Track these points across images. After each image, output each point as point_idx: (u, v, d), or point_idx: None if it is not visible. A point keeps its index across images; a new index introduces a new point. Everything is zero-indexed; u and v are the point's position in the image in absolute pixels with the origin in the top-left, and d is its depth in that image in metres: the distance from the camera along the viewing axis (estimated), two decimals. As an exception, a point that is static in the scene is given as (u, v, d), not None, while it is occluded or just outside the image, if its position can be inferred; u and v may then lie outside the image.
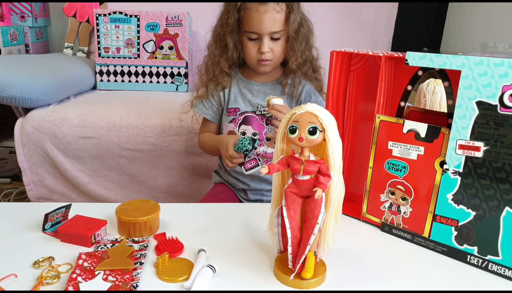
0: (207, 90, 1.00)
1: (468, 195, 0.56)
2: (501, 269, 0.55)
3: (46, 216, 0.61)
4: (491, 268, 0.56)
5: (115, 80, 1.72)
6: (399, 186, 0.63)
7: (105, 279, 0.50)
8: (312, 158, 0.49)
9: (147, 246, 0.58)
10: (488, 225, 0.55)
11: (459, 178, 0.57)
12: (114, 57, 1.70)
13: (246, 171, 1.00)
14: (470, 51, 0.64)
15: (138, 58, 1.70)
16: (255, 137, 0.98)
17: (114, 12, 1.68)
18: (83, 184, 1.37)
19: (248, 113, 0.99)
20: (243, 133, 0.98)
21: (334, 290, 0.50)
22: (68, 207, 0.65)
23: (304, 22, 0.94)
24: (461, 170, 0.57)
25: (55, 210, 0.62)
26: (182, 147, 1.31)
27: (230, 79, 1.00)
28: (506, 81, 0.51)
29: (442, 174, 0.58)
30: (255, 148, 0.98)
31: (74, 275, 0.50)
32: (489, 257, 0.56)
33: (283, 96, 0.97)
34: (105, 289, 0.48)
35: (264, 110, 0.98)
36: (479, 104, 0.54)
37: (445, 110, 0.60)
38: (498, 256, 0.55)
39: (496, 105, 0.52)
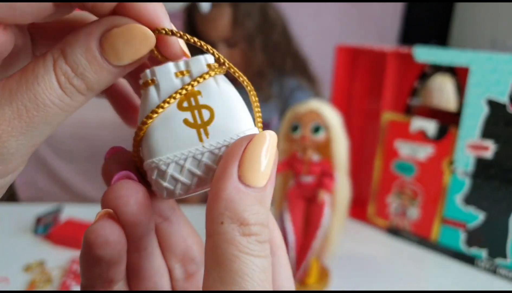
0: None
1: (477, 196, 0.55)
2: (510, 273, 0.53)
3: (38, 218, 0.59)
4: (500, 272, 0.54)
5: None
6: (407, 187, 0.61)
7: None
8: (316, 158, 0.47)
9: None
10: (498, 227, 0.54)
11: (468, 179, 0.55)
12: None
13: None
14: (479, 47, 0.63)
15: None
16: None
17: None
18: (75, 185, 1.34)
19: None
20: None
21: (338, 296, 0.49)
22: (60, 209, 0.63)
23: (264, 17, 0.88)
24: (470, 171, 0.55)
25: (47, 212, 0.60)
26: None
27: None
28: (517, 79, 0.49)
29: (451, 175, 0.56)
30: None
31: (67, 280, 0.49)
32: (498, 260, 0.54)
33: (273, 103, 0.93)
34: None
35: None
36: (488, 102, 0.52)
37: (454, 108, 0.58)
38: (507, 259, 0.53)
39: (505, 104, 0.51)
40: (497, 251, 0.54)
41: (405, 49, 0.60)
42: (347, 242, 0.58)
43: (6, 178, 0.13)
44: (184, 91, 0.14)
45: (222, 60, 0.15)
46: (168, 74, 0.14)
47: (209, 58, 0.15)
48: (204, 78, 0.14)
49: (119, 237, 0.14)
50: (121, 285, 0.16)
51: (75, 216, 0.61)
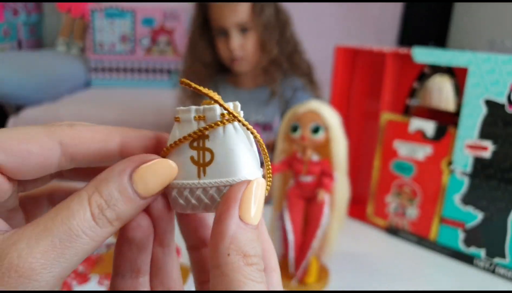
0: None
1: (475, 196, 0.55)
2: (508, 273, 0.53)
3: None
4: (498, 271, 0.54)
5: (110, 77, 1.69)
6: (405, 187, 0.62)
7: (100, 283, 0.49)
8: (315, 158, 0.47)
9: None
10: (496, 227, 0.54)
11: (466, 179, 0.55)
12: (108, 53, 1.67)
13: None
14: (478, 47, 0.63)
15: (133, 54, 1.67)
16: None
17: (110, 7, 1.65)
18: (77, 185, 1.34)
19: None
20: None
21: (338, 296, 0.49)
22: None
23: (277, 12, 0.87)
24: (468, 171, 0.55)
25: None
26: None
27: (215, 90, 0.97)
28: (516, 79, 0.50)
29: (449, 175, 0.57)
30: None
31: (68, 279, 0.49)
32: (496, 260, 0.54)
33: (276, 103, 0.93)
34: (100, 296, 0.46)
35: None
36: (487, 102, 0.52)
37: (452, 109, 0.59)
38: (505, 259, 0.54)
39: (504, 104, 0.51)
40: (496, 250, 0.54)
41: (404, 50, 0.60)
42: (346, 241, 0.58)
43: None
44: (195, 134, 0.17)
45: (232, 114, 0.17)
46: (189, 117, 0.17)
47: (232, 106, 0.17)
48: (212, 127, 0.16)
49: (148, 223, 0.17)
50: (145, 281, 0.18)
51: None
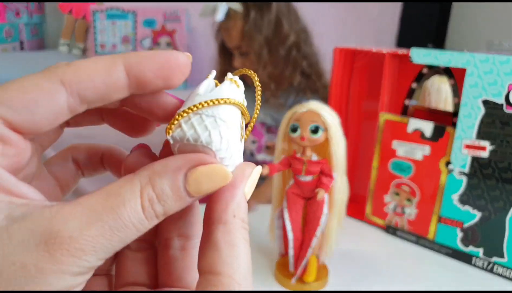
0: None
1: (473, 195, 0.55)
2: (506, 271, 0.54)
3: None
4: (497, 270, 0.55)
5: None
6: (404, 187, 0.62)
7: (101, 283, 0.49)
8: (315, 157, 0.47)
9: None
10: (494, 226, 0.54)
11: (464, 178, 0.56)
12: (110, 54, 1.68)
13: None
14: (475, 48, 0.63)
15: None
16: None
17: (111, 8, 1.66)
18: (79, 186, 1.34)
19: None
20: None
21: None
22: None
23: (279, 34, 0.89)
24: (466, 170, 0.55)
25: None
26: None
27: None
28: (513, 80, 0.50)
29: (448, 174, 0.57)
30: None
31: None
32: (494, 259, 0.55)
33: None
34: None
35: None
36: (485, 103, 0.53)
37: (450, 109, 0.59)
38: (503, 258, 0.54)
39: (502, 104, 0.51)
40: (494, 249, 0.55)
41: (402, 51, 0.61)
42: (345, 240, 0.58)
43: (81, 285, 0.14)
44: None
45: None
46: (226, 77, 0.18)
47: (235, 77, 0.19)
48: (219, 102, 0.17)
49: None
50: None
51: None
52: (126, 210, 0.14)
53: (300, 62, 0.91)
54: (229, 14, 0.85)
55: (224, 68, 0.95)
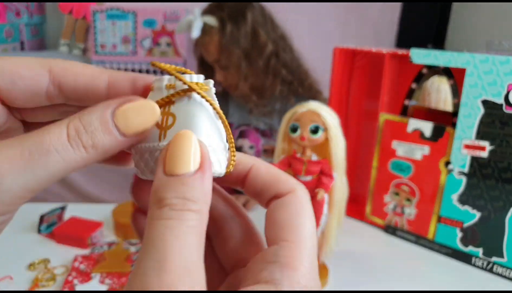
0: None
1: (473, 195, 0.55)
2: (506, 271, 0.54)
3: (42, 217, 0.60)
4: (496, 270, 0.55)
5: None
6: (404, 187, 0.62)
7: (102, 282, 0.49)
8: (314, 157, 0.47)
9: (145, 248, 0.57)
10: (494, 226, 0.54)
11: (464, 178, 0.56)
12: (110, 54, 1.68)
13: None
14: (475, 48, 0.63)
15: (134, 55, 1.68)
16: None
17: (111, 9, 1.66)
18: (78, 184, 1.35)
19: (243, 126, 0.97)
20: (240, 148, 0.97)
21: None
22: (63, 208, 0.64)
23: (257, 46, 0.88)
24: (466, 170, 0.55)
25: (50, 211, 0.61)
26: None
27: (226, 105, 1.00)
28: (512, 80, 0.50)
29: (447, 174, 0.57)
30: None
31: (70, 278, 0.50)
32: (494, 259, 0.55)
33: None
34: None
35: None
36: (484, 103, 0.53)
37: (450, 109, 0.59)
38: (503, 258, 0.54)
39: (501, 104, 0.51)
40: (493, 249, 0.55)
41: (402, 51, 0.61)
42: (345, 240, 0.59)
43: None
44: (163, 100, 0.17)
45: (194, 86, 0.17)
46: (161, 85, 0.17)
47: (195, 78, 0.17)
48: (179, 94, 0.17)
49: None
50: None
51: (78, 215, 0.62)
52: (49, 136, 0.14)
53: (280, 70, 0.91)
54: (205, 29, 0.85)
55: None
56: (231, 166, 0.18)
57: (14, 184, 0.14)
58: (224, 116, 0.18)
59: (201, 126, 0.16)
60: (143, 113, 0.16)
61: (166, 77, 0.17)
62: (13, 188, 0.14)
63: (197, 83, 0.17)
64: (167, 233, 0.13)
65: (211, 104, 0.17)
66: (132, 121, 0.16)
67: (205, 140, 0.16)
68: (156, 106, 0.16)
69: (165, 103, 0.17)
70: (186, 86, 0.17)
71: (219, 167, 0.17)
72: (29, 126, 0.19)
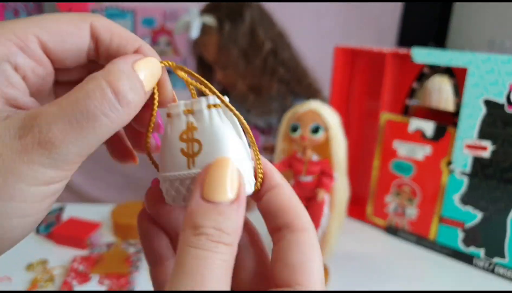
0: None
1: (475, 196, 0.55)
2: (507, 272, 0.54)
3: (39, 217, 0.59)
4: (498, 271, 0.54)
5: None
6: (405, 187, 0.62)
7: (100, 283, 0.49)
8: (315, 157, 0.47)
9: (144, 248, 0.57)
10: (495, 227, 0.54)
11: (466, 179, 0.56)
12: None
13: None
14: (477, 48, 0.63)
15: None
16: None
17: (110, 7, 1.65)
18: (77, 185, 1.35)
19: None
20: None
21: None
22: (62, 209, 0.63)
23: (255, 44, 0.88)
24: (467, 170, 0.55)
25: (49, 212, 0.61)
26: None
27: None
28: (515, 79, 0.50)
29: (449, 175, 0.57)
30: None
31: (68, 279, 0.49)
32: (495, 259, 0.55)
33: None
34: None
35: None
36: (486, 102, 0.52)
37: (452, 109, 0.59)
38: (504, 258, 0.54)
39: (503, 104, 0.51)
40: (495, 250, 0.54)
41: (403, 51, 0.60)
42: (346, 241, 0.58)
43: (59, 184, 0.15)
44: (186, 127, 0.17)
45: (221, 102, 0.17)
46: (178, 111, 0.18)
47: (211, 99, 0.17)
48: (190, 112, 0.17)
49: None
50: (170, 263, 0.19)
51: (77, 215, 0.62)
52: (91, 101, 0.14)
53: (277, 69, 0.90)
54: (203, 29, 0.85)
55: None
56: (258, 183, 0.18)
57: (69, 153, 0.14)
58: (250, 132, 0.18)
59: (230, 150, 0.17)
60: (153, 68, 0.17)
61: (182, 102, 0.18)
62: (68, 157, 0.14)
63: (214, 105, 0.17)
64: (202, 264, 0.14)
65: (241, 123, 0.18)
66: (146, 75, 0.16)
67: (237, 163, 0.16)
68: (158, 60, 0.17)
69: (189, 129, 0.17)
70: (203, 109, 0.17)
71: (249, 187, 0.17)
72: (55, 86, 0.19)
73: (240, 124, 0.18)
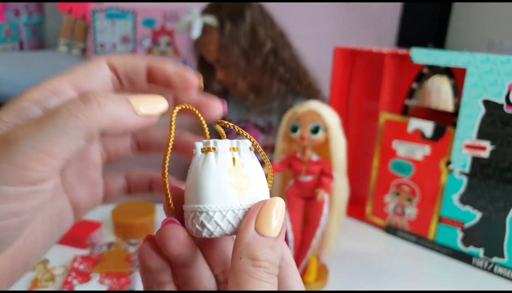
0: None
1: (474, 196, 0.55)
2: (507, 272, 0.54)
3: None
4: (497, 270, 0.55)
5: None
6: (404, 187, 0.62)
7: (101, 282, 0.49)
8: (315, 157, 0.47)
9: (144, 248, 0.57)
10: (494, 226, 0.54)
11: (465, 179, 0.56)
12: (110, 54, 1.67)
13: None
14: (476, 48, 0.63)
15: (134, 55, 1.68)
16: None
17: (111, 8, 1.65)
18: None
19: (242, 123, 0.97)
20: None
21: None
22: (62, 208, 0.63)
23: (256, 44, 0.88)
24: (467, 170, 0.55)
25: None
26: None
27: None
28: (513, 79, 0.50)
29: (448, 175, 0.57)
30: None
31: (69, 278, 0.49)
32: (494, 259, 0.55)
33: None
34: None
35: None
36: (485, 102, 0.53)
37: (451, 109, 0.59)
38: (504, 258, 0.54)
39: (502, 104, 0.51)
40: (494, 250, 0.55)
41: (402, 51, 0.61)
42: (346, 240, 0.58)
43: (41, 183, 0.16)
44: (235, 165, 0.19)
45: (256, 146, 0.20)
46: (225, 147, 0.19)
47: (250, 143, 0.20)
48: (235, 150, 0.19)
49: (158, 260, 0.20)
50: (171, 286, 0.21)
51: (77, 215, 0.62)
52: (64, 112, 0.16)
53: (277, 69, 0.91)
54: (204, 29, 0.86)
55: (205, 81, 0.94)
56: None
57: (27, 147, 0.15)
58: (271, 166, 0.21)
59: (265, 186, 0.19)
60: (153, 100, 0.19)
61: (228, 140, 0.19)
62: (27, 152, 0.15)
63: (250, 148, 0.20)
64: (261, 288, 0.16)
65: (267, 162, 0.21)
66: (144, 102, 0.18)
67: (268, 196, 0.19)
68: (165, 103, 0.19)
69: (237, 167, 0.19)
70: (248, 149, 0.19)
71: None
72: None
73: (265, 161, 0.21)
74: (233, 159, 0.19)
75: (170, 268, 0.20)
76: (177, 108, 0.20)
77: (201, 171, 0.19)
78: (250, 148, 0.20)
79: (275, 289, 0.17)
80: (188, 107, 0.20)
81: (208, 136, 0.21)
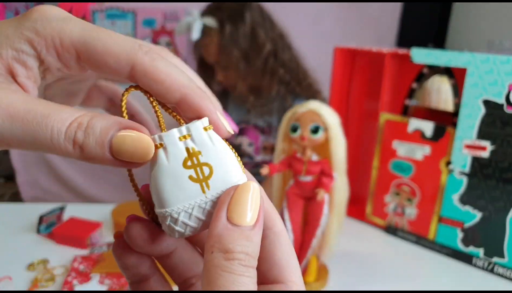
0: None
1: (474, 196, 0.55)
2: (507, 272, 0.54)
3: (41, 217, 0.60)
4: (497, 270, 0.55)
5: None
6: (404, 187, 0.62)
7: (101, 282, 0.49)
8: (315, 157, 0.47)
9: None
10: (494, 226, 0.54)
11: (465, 179, 0.56)
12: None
13: None
14: (476, 48, 0.63)
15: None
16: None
17: (111, 8, 1.65)
18: (78, 185, 1.35)
19: (242, 124, 0.97)
20: (239, 145, 0.97)
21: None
22: (62, 208, 0.63)
23: (256, 46, 0.88)
24: (467, 170, 0.55)
25: (49, 211, 0.61)
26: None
27: (225, 105, 1.00)
28: (514, 79, 0.50)
29: (448, 174, 0.57)
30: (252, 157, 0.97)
31: (69, 278, 0.49)
32: (495, 259, 0.55)
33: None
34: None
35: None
36: (485, 102, 0.53)
37: (451, 109, 0.59)
38: (504, 258, 0.54)
39: (502, 104, 0.51)
40: (494, 250, 0.55)
41: (403, 51, 0.61)
42: (346, 240, 0.58)
43: None
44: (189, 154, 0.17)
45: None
46: (173, 139, 0.17)
47: (205, 122, 0.17)
48: (187, 138, 0.17)
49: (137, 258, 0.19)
50: (156, 278, 0.20)
51: (78, 215, 0.62)
52: (56, 116, 0.15)
53: (277, 70, 0.91)
54: (204, 30, 0.86)
55: (205, 82, 0.94)
56: None
57: None
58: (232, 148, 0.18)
59: (237, 169, 0.17)
60: (137, 145, 0.16)
61: (174, 130, 0.17)
62: None
63: (205, 128, 0.17)
64: (236, 288, 0.15)
65: (229, 144, 0.18)
66: (125, 147, 0.16)
67: (241, 180, 0.17)
68: (152, 148, 0.16)
69: (191, 155, 0.17)
70: (202, 132, 0.17)
71: None
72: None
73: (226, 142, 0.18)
74: (187, 149, 0.16)
75: (150, 260, 0.19)
76: (127, 93, 0.17)
77: (155, 173, 0.17)
78: (205, 128, 0.17)
79: (254, 282, 0.15)
80: (139, 89, 0.18)
81: (164, 126, 0.19)
